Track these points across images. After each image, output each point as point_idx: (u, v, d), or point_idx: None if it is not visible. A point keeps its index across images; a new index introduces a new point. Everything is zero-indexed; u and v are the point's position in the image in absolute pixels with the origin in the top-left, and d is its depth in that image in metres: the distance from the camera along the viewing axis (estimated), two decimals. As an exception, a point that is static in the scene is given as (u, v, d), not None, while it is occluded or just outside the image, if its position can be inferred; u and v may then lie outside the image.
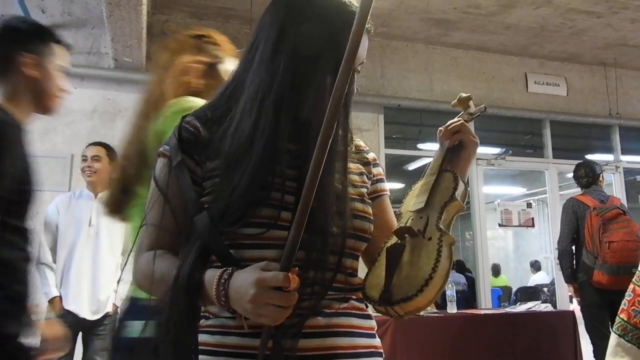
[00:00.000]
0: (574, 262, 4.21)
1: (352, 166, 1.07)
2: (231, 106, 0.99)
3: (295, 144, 0.96)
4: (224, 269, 0.85)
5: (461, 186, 1.05)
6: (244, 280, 0.80)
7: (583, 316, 4.16)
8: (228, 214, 0.89)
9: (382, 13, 5.11)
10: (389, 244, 1.00)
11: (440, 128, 1.14)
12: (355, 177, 1.06)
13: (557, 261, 4.43)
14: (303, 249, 0.87)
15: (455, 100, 1.22)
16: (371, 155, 1.15)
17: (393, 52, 5.73)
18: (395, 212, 1.15)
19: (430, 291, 0.88)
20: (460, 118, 1.15)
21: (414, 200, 1.06)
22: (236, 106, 0.98)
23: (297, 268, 0.79)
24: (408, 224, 1.01)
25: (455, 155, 1.11)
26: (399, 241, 0.99)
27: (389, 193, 1.15)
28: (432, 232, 0.97)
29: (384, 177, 1.16)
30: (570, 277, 4.20)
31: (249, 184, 0.90)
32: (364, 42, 1.01)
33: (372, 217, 1.03)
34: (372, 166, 1.13)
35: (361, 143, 1.16)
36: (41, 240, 3.28)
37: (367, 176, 1.10)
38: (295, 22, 0.96)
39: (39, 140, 4.52)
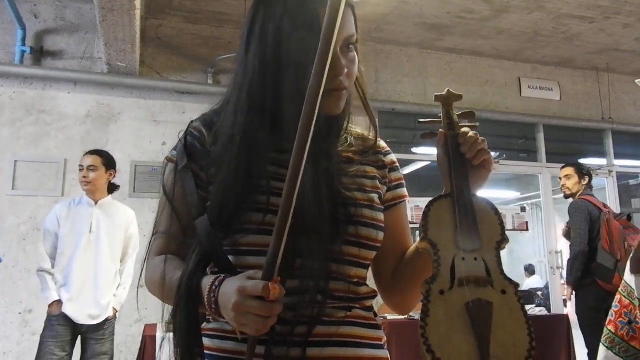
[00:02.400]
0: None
1: (364, 169, 1.02)
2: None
3: (279, 141, 0.94)
4: (218, 275, 0.85)
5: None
6: (231, 287, 0.79)
7: (582, 319, 4.13)
8: (222, 217, 0.89)
9: (376, 18, 5.12)
10: (462, 298, 0.82)
11: (441, 131, 1.00)
12: (366, 182, 1.00)
13: (550, 263, 4.41)
14: (299, 256, 0.86)
15: (443, 93, 1.05)
16: (389, 159, 1.09)
17: (387, 56, 5.75)
18: (411, 226, 1.06)
19: None
20: (461, 126, 1.01)
21: (457, 233, 0.89)
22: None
23: (279, 277, 0.77)
24: (463, 266, 0.85)
25: (474, 175, 0.98)
26: (480, 297, 0.82)
27: (408, 197, 1.10)
28: (503, 283, 0.84)
29: (404, 182, 1.10)
30: (578, 279, 4.09)
31: (233, 181, 0.90)
32: (348, 17, 0.95)
33: (382, 225, 0.98)
34: (388, 170, 1.07)
35: (382, 144, 1.10)
36: (39, 248, 3.37)
37: (380, 181, 1.04)
38: (260, 16, 0.95)
39: (32, 145, 4.51)
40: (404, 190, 1.09)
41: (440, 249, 0.88)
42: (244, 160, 0.91)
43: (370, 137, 1.07)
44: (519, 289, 0.84)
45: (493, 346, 0.78)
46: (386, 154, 1.09)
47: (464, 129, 0.99)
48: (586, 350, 4.05)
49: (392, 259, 1.05)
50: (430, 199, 0.96)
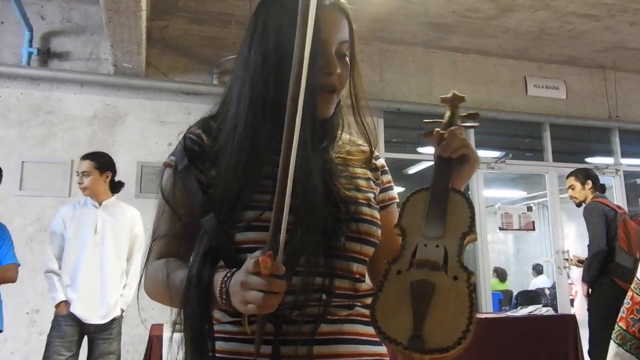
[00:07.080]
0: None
1: (359, 171, 1.07)
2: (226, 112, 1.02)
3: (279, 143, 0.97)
4: (229, 270, 0.85)
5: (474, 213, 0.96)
6: (238, 272, 0.82)
7: (593, 316, 4.12)
8: (223, 211, 0.91)
9: (381, 17, 5.11)
10: (412, 278, 0.89)
11: (437, 130, 1.04)
12: (362, 182, 1.05)
13: (557, 263, 4.39)
14: (304, 252, 0.88)
15: (448, 95, 1.09)
16: (380, 162, 1.14)
17: (392, 56, 5.74)
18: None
19: (466, 343, 0.83)
20: (458, 125, 1.05)
21: (424, 221, 0.95)
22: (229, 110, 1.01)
23: (271, 252, 0.78)
24: (423, 251, 0.91)
25: (456, 170, 1.01)
26: (424, 278, 0.88)
27: (398, 200, 1.14)
28: (457, 270, 0.89)
29: (393, 184, 1.15)
30: (594, 278, 4.11)
31: (235, 170, 0.92)
32: (342, 22, 1.00)
33: (379, 222, 1.03)
34: (380, 173, 1.12)
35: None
36: (47, 249, 3.43)
37: (374, 182, 1.09)
38: (263, 15, 1.00)
39: (39, 146, 4.53)
40: (394, 192, 1.15)
41: (408, 234, 0.95)
42: (246, 150, 0.93)
43: (360, 142, 1.11)
44: (474, 279, 0.88)
45: (429, 323, 0.84)
46: (376, 158, 1.14)
47: (452, 128, 1.03)
48: (586, 347, 4.05)
49: (386, 257, 1.08)
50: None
